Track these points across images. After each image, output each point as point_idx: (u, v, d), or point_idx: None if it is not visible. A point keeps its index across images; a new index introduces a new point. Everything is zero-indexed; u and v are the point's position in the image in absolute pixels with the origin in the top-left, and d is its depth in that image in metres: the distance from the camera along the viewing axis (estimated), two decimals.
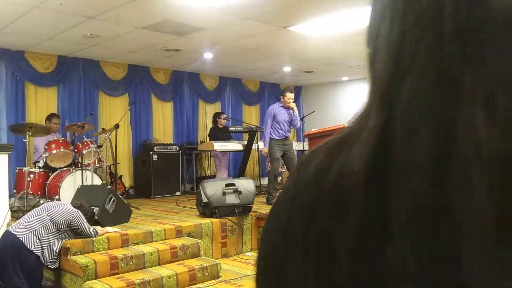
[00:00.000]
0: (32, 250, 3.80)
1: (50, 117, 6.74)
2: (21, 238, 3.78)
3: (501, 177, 0.27)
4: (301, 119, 7.60)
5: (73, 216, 4.03)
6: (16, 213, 5.42)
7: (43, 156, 5.86)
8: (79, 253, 4.12)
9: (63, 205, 4.19)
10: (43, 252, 3.90)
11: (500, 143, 0.28)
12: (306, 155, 0.40)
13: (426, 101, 0.30)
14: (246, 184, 5.52)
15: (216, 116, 8.52)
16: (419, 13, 0.31)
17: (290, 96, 6.54)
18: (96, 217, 4.54)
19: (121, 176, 7.87)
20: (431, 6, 0.31)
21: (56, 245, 4.02)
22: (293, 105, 6.56)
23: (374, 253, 0.31)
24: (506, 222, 0.27)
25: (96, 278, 3.96)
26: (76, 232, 4.18)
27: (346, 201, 0.33)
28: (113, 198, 5.00)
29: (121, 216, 5.15)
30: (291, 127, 6.90)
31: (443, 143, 0.29)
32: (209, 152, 8.67)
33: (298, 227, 0.36)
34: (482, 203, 0.27)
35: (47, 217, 3.95)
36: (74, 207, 4.17)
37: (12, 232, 3.83)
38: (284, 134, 6.54)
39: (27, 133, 5.55)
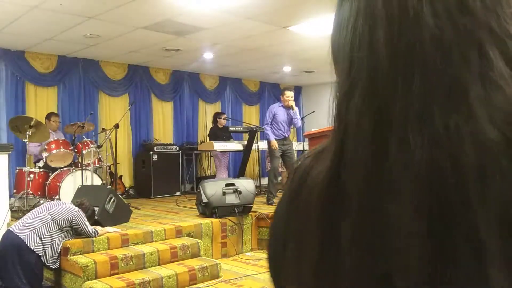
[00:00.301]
0: (33, 250, 3.80)
1: (49, 115, 6.74)
2: (23, 238, 3.79)
3: (428, 197, 0.30)
4: (301, 119, 7.59)
5: (74, 215, 4.03)
6: (16, 213, 5.42)
7: (43, 156, 5.86)
8: (79, 253, 4.12)
9: (64, 203, 4.20)
10: (44, 251, 3.90)
11: (426, 167, 0.30)
12: (302, 158, 0.44)
13: (363, 124, 0.33)
14: (246, 184, 5.52)
15: (217, 116, 8.52)
16: (360, 38, 0.34)
17: (289, 94, 6.54)
18: (96, 217, 4.54)
19: (121, 176, 7.88)
20: (369, 34, 0.34)
21: (58, 244, 4.02)
22: (292, 103, 6.55)
23: (333, 263, 0.35)
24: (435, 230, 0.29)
25: (96, 278, 3.96)
26: (76, 232, 4.18)
27: (310, 215, 0.37)
28: (113, 198, 5.00)
29: (121, 216, 5.15)
30: (292, 126, 6.90)
31: (378, 165, 0.32)
32: (209, 152, 8.67)
33: (282, 226, 0.42)
34: (409, 215, 0.30)
35: (49, 216, 3.95)
36: (75, 205, 4.18)
37: (14, 232, 3.83)
38: (283, 134, 6.54)
39: (27, 132, 5.55)
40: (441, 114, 0.30)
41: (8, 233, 3.89)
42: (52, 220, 3.95)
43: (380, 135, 0.32)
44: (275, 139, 6.49)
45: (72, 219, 4.02)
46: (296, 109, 6.63)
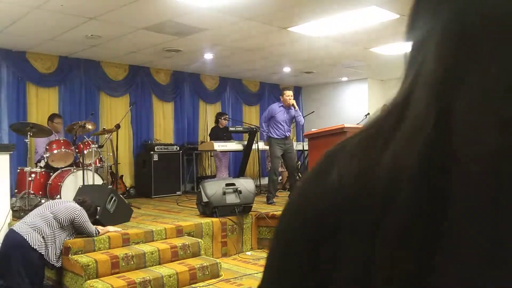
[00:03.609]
0: (36, 249, 3.82)
1: (52, 117, 6.76)
2: (25, 237, 3.81)
3: None
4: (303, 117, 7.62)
5: (76, 213, 4.05)
6: (18, 213, 5.44)
7: (44, 156, 5.89)
8: (80, 253, 4.15)
9: (66, 202, 4.22)
10: (47, 250, 3.92)
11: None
12: (333, 148, 0.38)
13: (490, 98, 0.29)
14: (246, 184, 5.54)
15: (218, 116, 8.55)
16: (481, 12, 0.31)
17: (288, 93, 6.57)
18: (97, 216, 4.56)
19: (122, 176, 7.90)
20: (495, 6, 0.31)
21: (60, 243, 4.05)
22: (293, 101, 6.58)
23: (416, 260, 0.30)
24: None
25: (97, 277, 3.98)
26: (78, 230, 4.20)
27: (391, 198, 0.31)
28: (114, 198, 5.02)
29: (122, 215, 5.17)
30: (295, 124, 6.92)
31: (508, 139, 0.28)
32: (209, 152, 8.69)
33: (329, 220, 0.34)
34: None
35: (51, 215, 3.98)
36: (77, 203, 4.20)
37: (16, 231, 3.85)
38: (284, 133, 6.56)
39: (29, 133, 5.58)
40: None
41: (11, 232, 3.91)
42: (54, 219, 3.98)
43: None
44: (276, 138, 6.52)
45: (74, 218, 4.05)
46: (296, 106, 6.66)
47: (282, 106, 6.62)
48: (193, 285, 4.28)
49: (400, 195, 0.31)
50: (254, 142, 7.59)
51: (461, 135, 0.30)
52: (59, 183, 5.65)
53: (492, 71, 0.30)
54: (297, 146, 8.34)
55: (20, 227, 3.90)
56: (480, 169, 0.28)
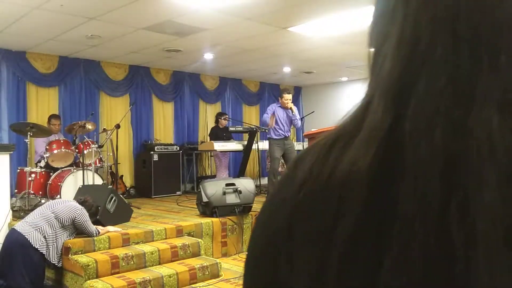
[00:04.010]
0: (37, 249, 3.83)
1: (49, 119, 6.76)
2: (27, 236, 3.81)
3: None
4: (301, 119, 7.62)
5: (77, 213, 4.06)
6: (18, 213, 5.44)
7: (44, 156, 5.89)
8: (80, 253, 4.15)
9: (68, 201, 4.22)
10: (48, 250, 3.92)
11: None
12: (303, 151, 0.40)
13: (439, 103, 0.30)
14: (246, 184, 5.54)
15: (218, 116, 8.56)
16: (434, 16, 0.31)
17: (287, 97, 6.58)
18: (97, 216, 4.57)
19: (122, 176, 7.90)
20: (447, 10, 0.31)
21: (61, 243, 4.05)
22: (291, 105, 6.59)
23: (367, 261, 0.30)
24: None
25: (97, 277, 3.98)
26: (78, 230, 4.21)
27: (343, 201, 0.32)
28: (114, 198, 5.03)
29: (122, 215, 5.18)
30: (292, 126, 6.93)
31: (456, 144, 0.29)
32: (209, 152, 8.70)
33: (289, 223, 0.35)
34: (495, 202, 0.27)
35: (52, 214, 3.98)
36: (78, 202, 4.21)
37: (18, 230, 3.86)
38: (284, 133, 6.57)
39: (29, 133, 5.58)
40: None
41: (13, 232, 3.91)
42: (55, 218, 3.98)
43: (460, 108, 0.29)
44: (276, 138, 6.53)
45: (75, 217, 4.05)
46: (295, 110, 6.66)
47: (280, 106, 6.64)
48: (193, 285, 4.28)
49: (352, 199, 0.32)
50: (254, 142, 7.59)
51: (410, 141, 0.30)
52: (59, 183, 5.66)
53: (442, 76, 0.30)
54: (297, 146, 8.33)
55: (22, 226, 3.90)
56: (425, 175, 0.29)
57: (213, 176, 8.57)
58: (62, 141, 6.03)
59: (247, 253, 0.41)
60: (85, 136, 6.43)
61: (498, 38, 0.30)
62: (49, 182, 5.79)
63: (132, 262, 4.25)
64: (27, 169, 5.74)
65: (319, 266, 0.32)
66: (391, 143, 0.31)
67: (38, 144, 6.40)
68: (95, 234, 4.28)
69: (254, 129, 7.59)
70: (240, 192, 5.41)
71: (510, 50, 0.29)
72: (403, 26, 0.33)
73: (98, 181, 5.94)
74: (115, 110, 8.01)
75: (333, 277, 0.32)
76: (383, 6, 0.37)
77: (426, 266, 0.28)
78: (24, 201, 5.56)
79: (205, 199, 5.32)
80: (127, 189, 7.93)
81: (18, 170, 5.96)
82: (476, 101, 0.29)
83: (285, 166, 7.57)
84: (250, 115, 10.25)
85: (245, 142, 7.74)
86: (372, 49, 0.37)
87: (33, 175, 5.70)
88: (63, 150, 5.91)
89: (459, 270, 0.27)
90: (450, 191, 0.28)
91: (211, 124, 8.93)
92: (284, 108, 6.59)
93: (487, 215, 0.27)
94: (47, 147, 5.92)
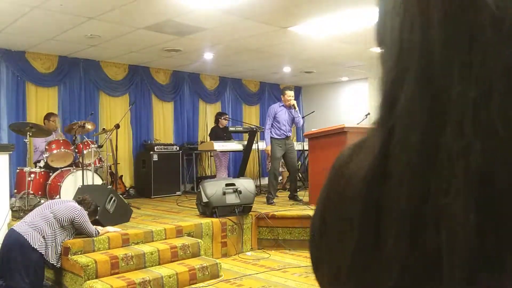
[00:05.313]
0: (36, 249, 3.82)
1: (48, 116, 6.76)
2: (26, 236, 3.80)
3: (479, 188, 0.29)
4: (302, 118, 7.61)
5: (76, 213, 4.05)
6: (17, 213, 5.43)
7: (43, 156, 5.88)
8: (79, 253, 4.14)
9: (66, 202, 4.21)
10: (47, 250, 3.91)
11: (480, 157, 0.29)
12: (344, 150, 0.42)
13: (416, 112, 0.31)
14: (246, 184, 5.53)
15: (218, 116, 8.55)
16: (412, 21, 0.32)
17: (290, 94, 6.56)
18: (96, 216, 4.56)
19: (122, 176, 7.89)
20: (421, 16, 0.31)
21: (60, 243, 4.04)
22: (293, 102, 6.58)
23: (370, 268, 0.33)
24: (483, 232, 0.28)
25: (96, 277, 3.97)
26: (78, 230, 4.19)
27: (350, 210, 0.35)
28: (113, 198, 5.02)
29: (121, 215, 5.17)
30: (294, 125, 6.92)
31: (430, 154, 0.30)
32: (209, 152, 8.69)
33: (322, 212, 0.40)
34: (462, 212, 0.29)
35: (51, 214, 3.97)
36: (77, 201, 4.20)
37: (17, 231, 3.85)
38: (285, 133, 6.55)
39: (28, 133, 5.57)
40: (500, 103, 0.28)
41: (11, 232, 3.90)
42: (54, 218, 3.97)
43: (435, 124, 0.30)
44: (277, 138, 6.51)
45: (74, 217, 4.04)
46: (297, 108, 6.65)
47: (283, 106, 6.61)
48: (193, 286, 4.27)
49: (355, 201, 0.35)
50: (254, 142, 7.58)
51: (392, 152, 0.32)
52: (59, 183, 5.65)
53: (416, 90, 0.31)
54: (297, 146, 8.33)
55: (21, 226, 3.89)
56: (405, 184, 0.31)
57: (213, 176, 8.56)
58: (61, 141, 6.02)
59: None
60: (84, 136, 6.41)
61: (473, 41, 0.30)
62: (49, 182, 5.78)
63: (131, 263, 4.23)
64: (26, 169, 5.73)
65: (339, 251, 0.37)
66: (383, 154, 0.33)
67: (36, 144, 6.39)
68: (94, 234, 4.27)
69: (254, 129, 7.58)
70: (240, 192, 5.40)
71: (482, 53, 0.29)
72: (391, 35, 0.34)
73: (98, 181, 5.93)
74: (114, 110, 8.00)
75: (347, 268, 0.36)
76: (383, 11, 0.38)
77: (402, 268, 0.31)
78: (23, 201, 5.55)
79: (205, 199, 5.31)
80: (127, 189, 7.92)
81: (18, 170, 5.95)
82: (450, 113, 0.30)
83: (285, 166, 7.56)
84: (250, 115, 10.24)
85: (245, 142, 7.73)
86: (380, 50, 0.38)
87: (32, 175, 5.69)
88: (63, 150, 5.90)
89: (430, 278, 0.30)
90: (423, 200, 0.30)
91: (211, 124, 8.92)
92: (287, 106, 6.57)
93: (453, 222, 0.29)
94: (46, 147, 5.90)
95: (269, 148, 6.61)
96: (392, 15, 0.35)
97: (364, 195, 0.34)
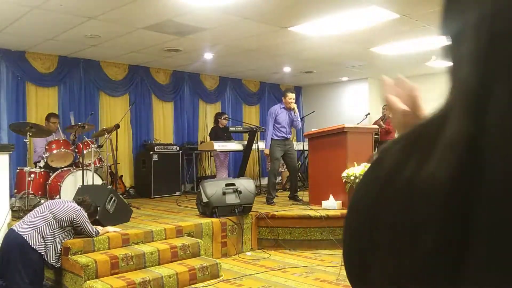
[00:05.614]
0: (35, 249, 3.81)
1: (48, 117, 6.76)
2: (25, 237, 3.80)
3: None
4: (301, 119, 7.62)
5: (76, 214, 4.04)
6: (17, 213, 5.43)
7: (43, 156, 5.88)
8: (79, 253, 4.14)
9: (66, 202, 4.20)
10: (46, 250, 3.91)
11: None
12: (384, 147, 0.40)
13: None
14: (246, 184, 5.53)
15: (218, 116, 8.55)
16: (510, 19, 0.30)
17: (291, 96, 6.57)
18: (96, 216, 4.56)
19: (122, 176, 7.89)
20: None
21: (60, 243, 4.04)
22: (294, 105, 6.58)
23: (446, 275, 0.31)
24: None
25: (96, 277, 3.97)
26: (77, 231, 4.19)
27: (421, 211, 0.33)
28: (113, 198, 5.02)
29: (121, 215, 5.17)
30: (292, 127, 6.92)
31: None
32: (209, 152, 8.69)
33: (372, 214, 0.37)
34: None
35: (50, 215, 3.97)
36: (77, 202, 4.19)
37: (16, 231, 3.85)
38: (285, 135, 6.56)
39: (28, 133, 5.57)
40: None
41: (11, 232, 3.90)
42: (53, 218, 3.97)
43: None
44: (277, 139, 6.51)
45: (74, 218, 4.04)
46: (296, 111, 6.65)
47: (283, 107, 6.61)
48: (193, 286, 4.27)
49: (433, 208, 0.32)
50: (254, 142, 7.58)
51: (490, 154, 0.30)
52: (59, 183, 5.65)
53: None
54: (297, 146, 8.34)
55: (20, 227, 3.89)
56: (506, 190, 0.29)
57: (213, 176, 8.56)
58: (61, 141, 6.02)
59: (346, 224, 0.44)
60: (84, 136, 6.41)
61: None
62: (49, 182, 5.78)
63: (131, 263, 4.23)
64: (26, 169, 5.73)
65: (396, 263, 0.34)
66: (471, 155, 0.31)
67: (37, 144, 6.39)
68: (94, 235, 4.27)
69: (254, 129, 7.58)
70: (240, 192, 5.40)
71: None
72: (479, 29, 0.32)
73: (98, 181, 5.93)
74: (114, 110, 8.00)
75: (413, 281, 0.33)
76: (458, 11, 0.35)
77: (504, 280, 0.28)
78: (23, 201, 5.55)
79: (205, 199, 5.31)
80: (127, 189, 7.92)
81: (18, 170, 5.95)
82: None
83: (285, 166, 7.57)
84: (250, 115, 10.24)
85: (245, 142, 7.73)
86: (448, 40, 0.36)
87: (32, 175, 5.69)
88: (63, 150, 5.90)
89: None
90: None
91: (211, 124, 8.92)
92: (287, 108, 6.57)
93: None
94: (46, 147, 5.90)
95: (267, 151, 6.64)
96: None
97: (449, 196, 0.32)
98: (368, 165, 0.41)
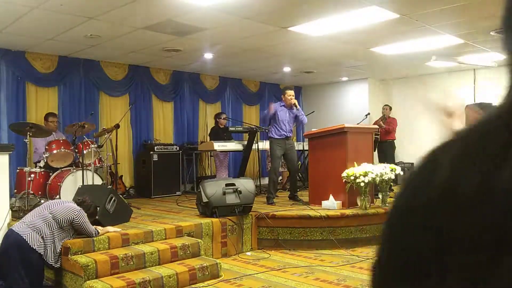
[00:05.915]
0: (35, 249, 3.81)
1: (46, 116, 6.76)
2: (25, 237, 3.80)
3: None
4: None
5: (75, 214, 4.04)
6: (17, 213, 5.43)
7: (43, 156, 5.88)
8: (79, 253, 4.14)
9: (66, 202, 4.20)
10: (46, 250, 3.91)
11: None
12: (436, 149, 0.37)
13: None
14: (246, 184, 5.53)
15: (217, 116, 8.55)
16: None
17: (290, 93, 6.57)
18: (96, 216, 4.55)
19: (122, 176, 7.89)
20: None
21: (59, 244, 4.03)
22: (294, 101, 6.58)
23: None
24: None
25: (96, 277, 3.97)
26: (77, 231, 4.19)
27: (491, 219, 0.31)
28: (113, 198, 5.02)
29: (121, 215, 5.17)
30: (299, 124, 6.91)
31: None
32: (209, 152, 8.69)
33: (432, 221, 0.35)
34: None
35: (50, 215, 3.97)
36: (76, 203, 4.19)
37: (16, 231, 3.85)
38: (286, 134, 6.55)
39: (28, 133, 5.57)
40: None
41: (10, 232, 3.90)
42: (53, 219, 3.97)
43: None
44: (277, 138, 6.51)
45: (73, 218, 4.04)
46: (298, 105, 6.64)
47: (283, 106, 6.61)
48: (192, 286, 4.27)
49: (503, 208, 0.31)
50: (254, 142, 7.58)
51: None
52: (59, 183, 5.65)
53: None
54: (298, 146, 8.33)
55: (20, 227, 3.89)
56: None
57: (213, 176, 8.56)
58: (61, 141, 6.02)
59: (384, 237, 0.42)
60: (84, 136, 6.41)
61: None
62: (49, 182, 5.78)
63: (131, 263, 4.23)
64: (26, 169, 5.73)
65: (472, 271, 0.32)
66: None
67: (38, 143, 6.39)
68: (94, 235, 4.27)
69: (254, 129, 7.58)
70: (240, 192, 5.40)
71: None
72: None
73: (98, 181, 5.92)
74: (114, 110, 8.00)
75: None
76: None
77: None
78: (23, 201, 5.54)
79: (205, 199, 5.31)
80: (127, 189, 7.92)
81: (18, 170, 5.95)
82: None
83: (285, 165, 7.56)
84: (250, 115, 10.24)
85: (245, 142, 7.73)
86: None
87: (32, 175, 5.68)
88: (63, 150, 5.90)
89: None
90: None
91: (211, 124, 8.92)
92: (288, 106, 6.57)
93: None
94: (46, 147, 5.90)
95: (272, 105, 6.59)
96: None
97: None
98: (412, 169, 0.39)
